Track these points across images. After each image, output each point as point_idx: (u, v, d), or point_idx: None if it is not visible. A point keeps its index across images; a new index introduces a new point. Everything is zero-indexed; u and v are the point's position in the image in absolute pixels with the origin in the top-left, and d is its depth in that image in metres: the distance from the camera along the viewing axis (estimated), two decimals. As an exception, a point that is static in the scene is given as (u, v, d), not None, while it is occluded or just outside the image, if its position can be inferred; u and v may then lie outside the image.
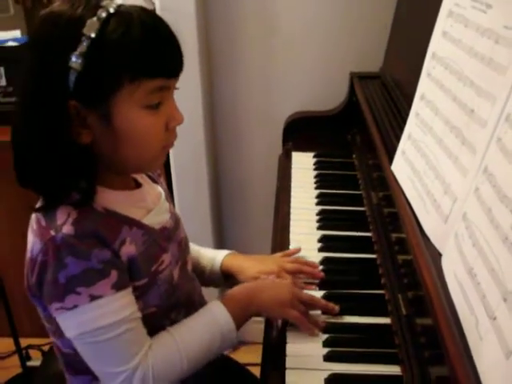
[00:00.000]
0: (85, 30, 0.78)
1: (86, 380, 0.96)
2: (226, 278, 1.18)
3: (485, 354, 0.63)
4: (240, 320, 0.98)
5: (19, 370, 2.14)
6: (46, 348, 2.18)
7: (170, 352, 0.92)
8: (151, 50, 0.82)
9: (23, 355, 2.14)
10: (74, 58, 0.78)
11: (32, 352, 2.23)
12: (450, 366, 0.67)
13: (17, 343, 2.10)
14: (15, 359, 2.16)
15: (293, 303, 1.01)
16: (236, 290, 1.03)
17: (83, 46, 0.78)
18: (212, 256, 1.19)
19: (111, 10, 0.80)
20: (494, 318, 0.62)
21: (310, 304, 1.04)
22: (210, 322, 0.97)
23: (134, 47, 0.80)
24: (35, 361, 2.17)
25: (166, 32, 0.85)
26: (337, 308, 1.04)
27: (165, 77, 0.85)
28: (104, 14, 0.79)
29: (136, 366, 0.87)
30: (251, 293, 1.03)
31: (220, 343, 0.96)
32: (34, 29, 0.84)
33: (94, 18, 0.79)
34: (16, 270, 2.22)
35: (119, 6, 0.82)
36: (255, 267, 1.14)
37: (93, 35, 0.78)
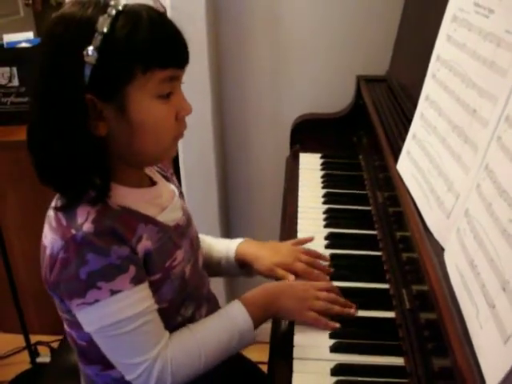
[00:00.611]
0: (97, 26, 0.82)
1: (98, 369, 0.99)
2: (241, 266, 1.19)
3: (484, 340, 0.65)
4: (258, 320, 1.01)
5: (28, 366, 2.18)
6: (54, 345, 2.21)
7: (189, 347, 0.95)
8: (161, 42, 0.86)
9: (33, 351, 2.18)
10: (89, 52, 0.81)
11: (41, 348, 2.25)
12: (453, 357, 0.69)
13: (27, 340, 2.13)
14: (24, 355, 2.20)
15: (311, 304, 1.03)
16: (255, 291, 1.05)
17: (97, 40, 0.82)
18: (225, 246, 1.21)
19: (120, 8, 0.85)
20: (493, 307, 0.65)
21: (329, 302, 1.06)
22: (229, 321, 0.99)
23: (144, 39, 0.84)
24: (44, 357, 2.20)
25: (171, 25, 0.90)
26: (353, 311, 1.05)
27: (174, 67, 0.89)
28: (114, 11, 0.84)
29: (156, 356, 0.90)
30: (270, 295, 1.04)
31: (238, 342, 0.98)
32: (46, 30, 0.87)
33: (105, 15, 0.83)
34: (26, 268, 2.28)
35: (126, 5, 0.86)
36: (270, 257, 1.15)
37: (105, 30, 0.82)
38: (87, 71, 0.82)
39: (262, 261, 1.16)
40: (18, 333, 2.16)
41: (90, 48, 0.82)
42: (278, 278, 1.14)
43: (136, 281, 0.88)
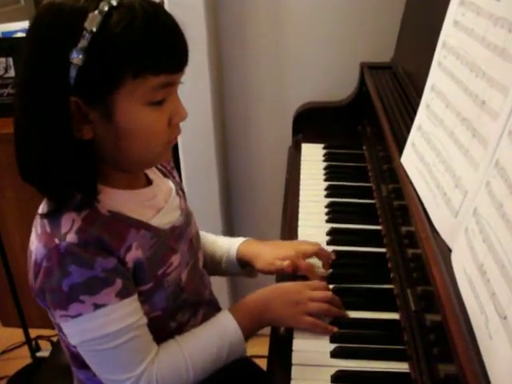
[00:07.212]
0: (86, 24, 0.75)
1: (90, 374, 0.97)
2: (242, 266, 1.15)
3: (494, 353, 0.61)
4: (249, 331, 0.98)
5: (29, 361, 2.17)
6: (55, 339, 2.20)
7: (176, 361, 0.92)
8: (155, 45, 0.79)
9: (33, 346, 2.18)
10: (74, 53, 0.75)
11: (41, 342, 2.25)
12: (459, 364, 0.66)
13: (26, 334, 2.13)
14: (25, 350, 2.20)
15: (306, 307, 0.99)
16: (247, 299, 1.02)
17: (84, 40, 0.75)
18: (227, 245, 1.17)
19: (113, 3, 0.77)
20: (505, 317, 0.60)
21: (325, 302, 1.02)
22: (218, 333, 0.96)
23: (137, 42, 0.77)
24: (45, 351, 2.19)
25: (169, 24, 0.82)
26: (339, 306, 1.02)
27: (169, 73, 0.82)
28: (106, 8, 0.76)
29: (141, 373, 0.87)
30: (261, 302, 1.01)
31: (227, 354, 0.95)
32: (34, 19, 0.80)
33: (96, 12, 0.76)
34: (26, 262, 2.24)
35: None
36: (272, 253, 1.11)
37: (94, 29, 0.75)
38: (72, 72, 0.76)
39: (264, 256, 1.11)
40: (19, 327, 2.15)
41: (77, 49, 0.75)
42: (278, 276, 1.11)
43: (122, 294, 0.85)
